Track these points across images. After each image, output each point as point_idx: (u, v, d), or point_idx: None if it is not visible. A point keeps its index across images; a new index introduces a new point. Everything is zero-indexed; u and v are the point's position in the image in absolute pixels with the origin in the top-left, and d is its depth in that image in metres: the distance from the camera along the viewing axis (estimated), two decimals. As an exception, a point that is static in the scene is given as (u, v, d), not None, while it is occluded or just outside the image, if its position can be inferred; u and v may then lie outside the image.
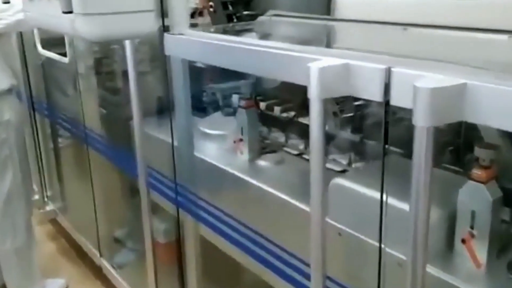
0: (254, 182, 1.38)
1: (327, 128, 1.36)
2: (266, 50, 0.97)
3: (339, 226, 1.12)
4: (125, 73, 1.54)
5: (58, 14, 0.94)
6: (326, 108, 0.87)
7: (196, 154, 1.57)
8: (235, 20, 1.68)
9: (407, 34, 1.15)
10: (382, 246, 0.97)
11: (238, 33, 1.53)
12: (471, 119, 0.71)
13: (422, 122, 0.70)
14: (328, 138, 1.39)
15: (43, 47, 2.53)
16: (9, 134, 2.11)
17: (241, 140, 1.55)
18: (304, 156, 1.48)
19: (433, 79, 0.72)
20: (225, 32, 1.60)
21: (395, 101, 0.80)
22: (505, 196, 0.99)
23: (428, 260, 0.90)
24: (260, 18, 1.67)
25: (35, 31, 2.49)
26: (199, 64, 1.74)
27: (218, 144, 1.66)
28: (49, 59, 2.51)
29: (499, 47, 1.01)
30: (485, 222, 0.96)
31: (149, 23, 1.07)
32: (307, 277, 1.01)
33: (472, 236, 0.99)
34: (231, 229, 1.44)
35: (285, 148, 1.55)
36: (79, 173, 2.51)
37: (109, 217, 2.37)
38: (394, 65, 0.81)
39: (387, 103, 0.82)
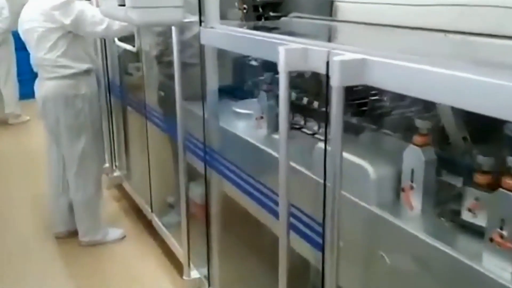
0: (266, 149, 1.75)
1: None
2: (255, 38, 1.35)
3: (317, 179, 1.46)
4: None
5: (117, 6, 1.40)
6: (290, 80, 1.24)
7: (222, 125, 1.97)
8: (263, 20, 2.06)
9: (370, 30, 1.48)
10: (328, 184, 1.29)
11: (262, 29, 1.92)
12: (369, 83, 1.05)
13: (335, 83, 1.05)
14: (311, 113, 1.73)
15: (121, 41, 3.08)
16: (84, 105, 2.66)
17: (261, 117, 1.93)
18: (304, 130, 1.82)
19: (346, 56, 1.07)
20: (254, 28, 2.00)
21: (331, 73, 1.14)
22: (446, 160, 1.28)
23: (374, 203, 1.21)
24: (283, 19, 2.05)
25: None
26: (245, 61, 2.15)
27: (245, 121, 2.04)
28: (124, 51, 3.05)
29: (422, 41, 1.32)
30: (420, 177, 1.24)
31: (178, 16, 1.51)
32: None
33: (412, 188, 1.29)
34: (246, 183, 1.82)
35: (296, 126, 1.90)
36: (140, 145, 3.03)
37: (162, 181, 2.84)
38: (333, 49, 1.15)
39: (327, 75, 1.16)
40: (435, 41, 1.31)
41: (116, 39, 3.05)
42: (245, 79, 2.25)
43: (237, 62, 2.28)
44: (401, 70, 0.98)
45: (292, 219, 1.45)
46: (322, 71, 1.18)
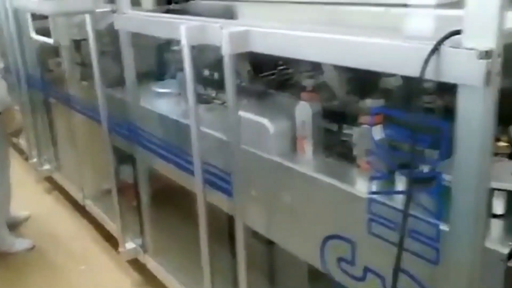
0: (183, 120, 1.92)
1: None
2: (160, 19, 1.54)
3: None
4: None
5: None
6: (192, 52, 1.44)
7: (145, 105, 2.13)
8: (173, 4, 2.24)
9: (263, 6, 1.73)
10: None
11: (170, 12, 2.09)
12: (254, 49, 1.28)
13: (226, 51, 1.28)
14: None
15: (38, 33, 3.10)
16: None
17: (179, 94, 2.12)
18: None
19: (234, 28, 1.29)
20: (165, 12, 2.16)
21: (222, 43, 1.35)
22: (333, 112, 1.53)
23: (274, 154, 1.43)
24: (191, 2, 2.25)
25: (29, 21, 3.08)
26: (168, 46, 2.29)
27: (167, 99, 2.22)
28: (42, 44, 3.08)
29: (303, 12, 1.59)
30: (309, 128, 1.49)
31: (88, 5, 1.67)
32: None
33: (304, 137, 1.54)
34: (169, 154, 1.99)
35: (216, 100, 2.09)
36: (68, 135, 3.10)
37: (94, 168, 2.93)
38: (225, 25, 1.37)
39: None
40: (314, 12, 1.58)
41: (33, 33, 3.09)
42: (168, 62, 2.41)
43: (160, 48, 2.44)
44: (276, 37, 1.22)
45: (211, 177, 1.68)
46: (217, 43, 1.39)
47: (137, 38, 2.10)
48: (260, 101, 1.80)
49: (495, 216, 1.06)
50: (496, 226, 1.04)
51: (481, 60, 0.78)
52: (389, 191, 1.09)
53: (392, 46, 0.90)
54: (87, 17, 1.96)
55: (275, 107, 1.74)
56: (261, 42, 1.26)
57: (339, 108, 1.56)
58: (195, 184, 1.58)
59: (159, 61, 2.47)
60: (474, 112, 0.82)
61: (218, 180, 1.67)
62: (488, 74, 0.78)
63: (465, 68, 0.81)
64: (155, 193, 2.30)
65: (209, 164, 1.68)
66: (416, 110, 1.31)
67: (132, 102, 2.14)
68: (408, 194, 0.92)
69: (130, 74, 2.08)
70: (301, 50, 1.15)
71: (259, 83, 1.92)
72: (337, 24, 1.36)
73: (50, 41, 2.76)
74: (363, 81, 1.49)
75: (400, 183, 1.14)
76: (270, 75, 1.91)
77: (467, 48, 0.80)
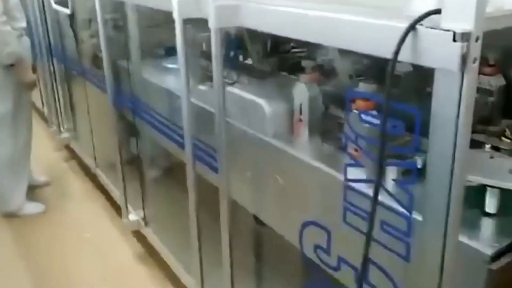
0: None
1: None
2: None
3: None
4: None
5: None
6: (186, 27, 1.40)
7: (145, 77, 2.11)
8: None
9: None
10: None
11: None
12: (244, 25, 1.22)
13: (212, 25, 1.23)
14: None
15: (57, 3, 3.12)
16: None
17: (187, 69, 2.08)
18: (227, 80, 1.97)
19: (223, 2, 1.24)
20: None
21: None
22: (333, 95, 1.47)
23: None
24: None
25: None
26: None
27: (174, 74, 2.20)
28: (64, 16, 3.10)
29: None
30: (306, 111, 1.44)
31: None
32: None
33: (300, 120, 1.49)
34: (164, 125, 1.99)
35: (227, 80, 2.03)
36: (84, 105, 3.14)
37: (107, 138, 2.96)
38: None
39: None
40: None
41: (53, 2, 3.10)
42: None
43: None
44: (264, 13, 1.16)
45: (201, 153, 1.65)
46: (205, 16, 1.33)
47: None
48: (265, 81, 1.75)
49: (487, 214, 1.00)
50: (487, 225, 0.98)
51: (457, 43, 0.71)
52: (361, 179, 1.03)
53: (366, 24, 0.84)
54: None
55: (278, 88, 1.69)
56: (251, 17, 1.20)
57: (340, 92, 1.50)
58: (186, 157, 1.56)
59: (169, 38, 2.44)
60: (449, 99, 0.75)
61: (206, 156, 1.64)
62: (464, 58, 0.71)
63: (441, 50, 0.74)
64: (164, 167, 2.30)
65: (201, 141, 1.66)
66: (421, 97, 1.25)
67: (135, 74, 2.13)
68: (377, 184, 0.86)
69: (134, 45, 2.06)
70: (285, 27, 1.09)
71: (270, 64, 1.87)
72: (343, 3, 1.28)
73: (67, 11, 2.77)
74: (369, 65, 1.42)
75: (390, 173, 1.08)
76: (283, 56, 1.85)
77: (444, 29, 0.73)
